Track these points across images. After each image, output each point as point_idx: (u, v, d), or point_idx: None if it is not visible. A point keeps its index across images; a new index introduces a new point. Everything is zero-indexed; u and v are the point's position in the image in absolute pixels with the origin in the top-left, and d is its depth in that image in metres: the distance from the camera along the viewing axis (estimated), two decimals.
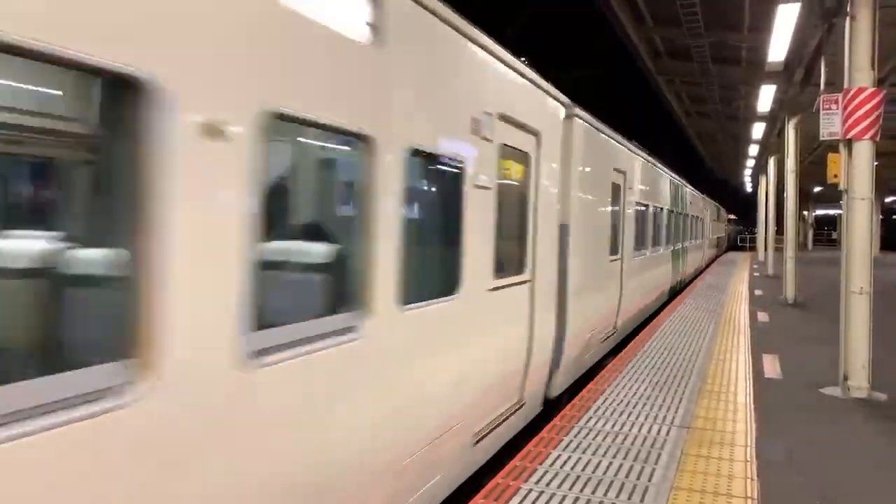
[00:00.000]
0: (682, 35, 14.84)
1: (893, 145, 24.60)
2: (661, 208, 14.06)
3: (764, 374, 7.75)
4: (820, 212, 60.76)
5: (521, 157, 5.61)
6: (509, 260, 5.38)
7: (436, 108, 3.99)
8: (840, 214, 7.42)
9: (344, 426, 3.14)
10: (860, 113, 6.83)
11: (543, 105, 6.10)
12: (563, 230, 6.67)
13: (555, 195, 6.43)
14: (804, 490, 4.48)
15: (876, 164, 7.03)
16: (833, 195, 7.90)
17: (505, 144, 5.06)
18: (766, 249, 27.54)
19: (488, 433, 4.86)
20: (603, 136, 8.47)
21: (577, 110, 7.02)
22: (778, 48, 11.37)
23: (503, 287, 5.06)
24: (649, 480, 4.44)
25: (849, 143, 6.98)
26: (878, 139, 6.90)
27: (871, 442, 5.56)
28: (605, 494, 4.20)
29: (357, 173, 3.35)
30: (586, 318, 7.55)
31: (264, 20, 2.51)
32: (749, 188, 51.96)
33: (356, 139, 3.24)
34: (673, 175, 15.91)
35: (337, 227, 3.82)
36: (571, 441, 5.18)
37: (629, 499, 4.14)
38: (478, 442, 4.68)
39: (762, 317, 12.58)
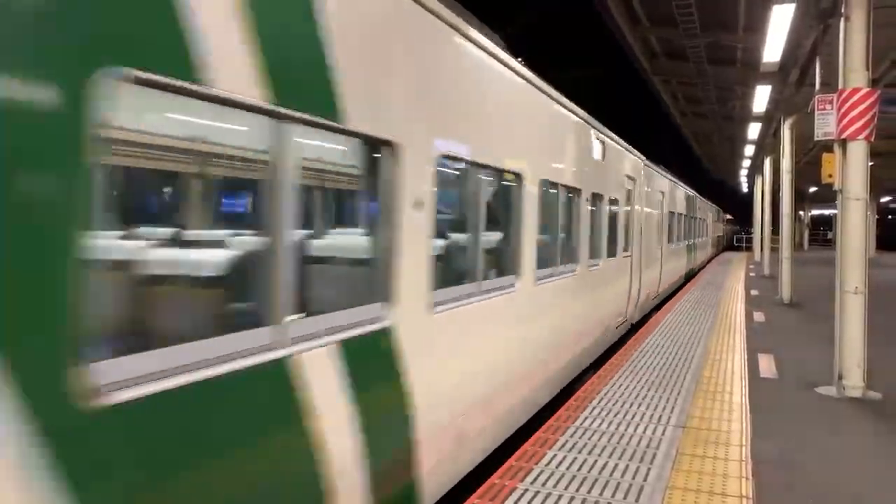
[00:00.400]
0: (678, 36, 14.87)
1: (888, 145, 24.70)
2: (682, 214, 19.87)
3: (759, 374, 7.77)
4: (816, 212, 60.94)
5: (630, 192, 11.17)
6: (628, 243, 11.04)
7: (614, 177, 9.85)
8: (835, 214, 7.44)
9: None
10: (855, 113, 6.85)
11: (637, 163, 11.86)
12: (639, 229, 12.03)
13: (637, 210, 11.77)
14: (799, 489, 4.49)
15: (871, 164, 7.06)
16: (829, 195, 7.95)
17: (628, 189, 11.00)
18: (762, 249, 27.61)
19: (615, 328, 10.32)
20: (656, 172, 14.27)
21: (645, 161, 12.63)
22: (773, 49, 11.40)
23: (626, 256, 10.84)
24: (645, 480, 4.45)
25: (843, 144, 7.00)
26: (872, 139, 6.93)
27: (866, 441, 5.57)
28: (600, 494, 4.20)
29: (596, 211, 8.72)
30: (646, 282, 12.96)
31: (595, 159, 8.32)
32: (745, 188, 52.09)
33: (598, 197, 8.74)
34: (688, 189, 21.84)
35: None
36: (567, 441, 5.18)
37: (625, 498, 4.15)
38: (617, 327, 10.42)
39: (758, 316, 12.61)
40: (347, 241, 3.88)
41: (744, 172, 41.63)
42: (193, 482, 2.33)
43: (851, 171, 6.97)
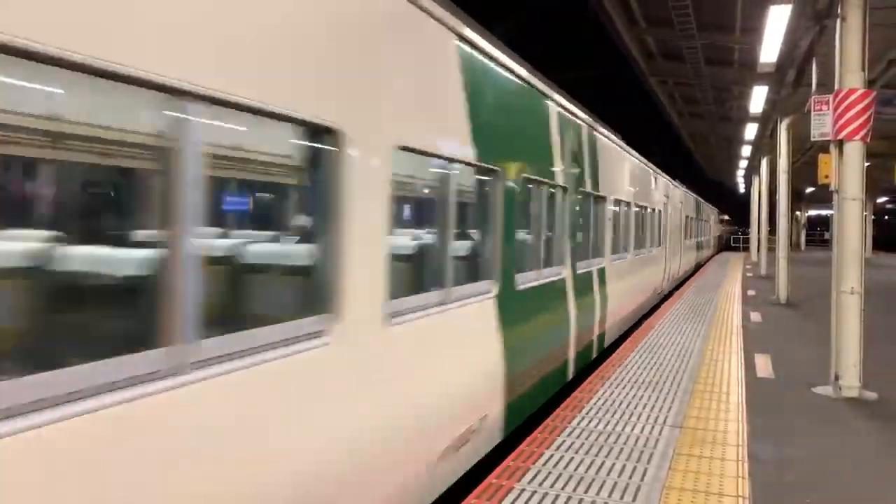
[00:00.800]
0: (674, 36, 14.89)
1: (884, 146, 24.76)
2: (694, 217, 25.74)
3: (756, 374, 7.78)
4: (812, 212, 61.04)
5: (665, 205, 16.62)
6: (662, 240, 16.18)
7: (657, 196, 15.42)
8: (832, 215, 7.46)
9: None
10: (851, 114, 6.86)
11: (668, 184, 17.26)
12: (668, 230, 17.16)
13: (667, 216, 16.88)
14: (795, 489, 4.50)
15: (867, 164, 7.07)
16: (825, 195, 7.96)
17: (664, 203, 16.36)
18: (758, 250, 27.65)
19: (657, 293, 15.16)
20: (677, 187, 19.54)
21: (672, 181, 17.87)
22: (770, 50, 11.41)
23: (661, 248, 15.97)
24: (641, 480, 4.46)
25: (840, 144, 7.02)
26: (868, 140, 6.94)
27: (862, 441, 5.59)
28: (597, 494, 4.21)
29: (638, 216, 13.06)
30: (671, 267, 18.18)
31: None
32: (742, 189, 52.17)
33: (651, 209, 14.56)
34: (698, 197, 28.30)
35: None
36: (564, 441, 5.19)
37: (622, 498, 4.15)
38: (657, 293, 15.38)
39: (755, 317, 12.63)
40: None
41: (741, 173, 41.70)
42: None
43: (848, 172, 6.99)
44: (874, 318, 8.07)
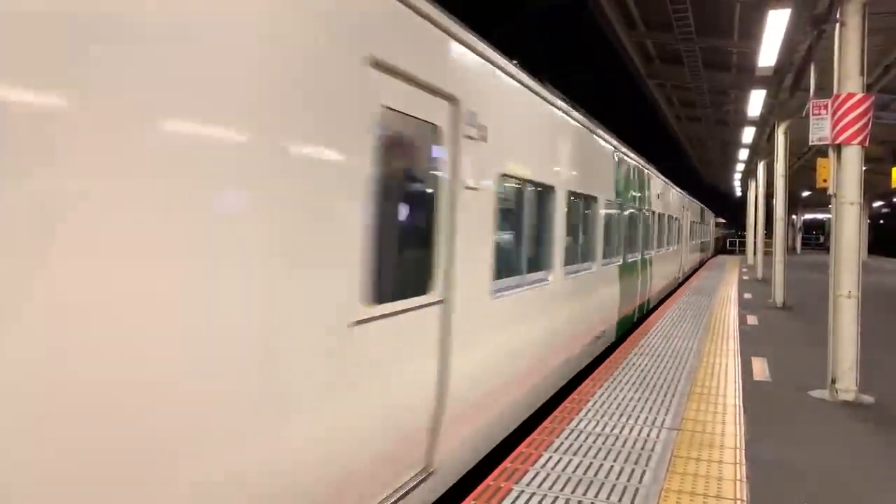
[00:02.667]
0: (673, 40, 14.93)
1: (882, 151, 24.84)
2: (697, 222, 28.73)
3: (753, 377, 7.80)
4: (809, 216, 61.20)
5: (681, 213, 21.08)
6: (680, 240, 20.85)
7: (677, 207, 19.85)
8: (829, 219, 7.48)
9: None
10: (849, 118, 6.89)
11: (684, 197, 22.24)
12: (684, 234, 22.03)
13: (682, 221, 21.39)
14: (793, 492, 4.51)
15: (865, 169, 7.10)
16: (822, 199, 7.96)
17: (681, 211, 21.03)
18: (755, 253, 27.71)
19: (676, 279, 20.26)
20: (688, 197, 23.77)
21: (687, 195, 23.44)
22: (768, 54, 11.44)
23: (679, 246, 20.61)
24: (640, 482, 4.46)
25: (838, 148, 7.04)
26: (866, 144, 6.97)
27: (859, 444, 5.60)
28: (595, 496, 4.21)
29: (674, 224, 19.44)
30: (687, 260, 23.41)
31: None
32: (738, 192, 52.28)
33: (674, 217, 19.23)
34: (703, 205, 33.02)
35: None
36: (562, 443, 5.19)
37: (620, 500, 4.16)
38: (676, 279, 20.51)
39: (751, 320, 12.66)
40: None
41: (737, 176, 41.80)
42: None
43: (846, 176, 7.02)
44: (871, 322, 8.09)
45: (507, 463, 4.71)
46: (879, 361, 8.36)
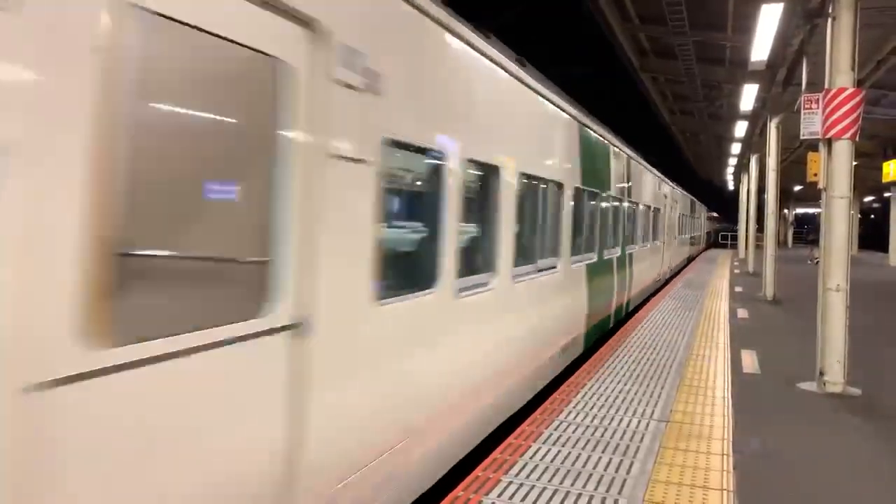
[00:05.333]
0: (667, 33, 14.93)
1: (872, 146, 24.94)
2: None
3: (742, 370, 7.85)
4: (800, 210, 61.46)
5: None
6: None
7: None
8: (819, 213, 7.52)
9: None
10: (840, 113, 6.91)
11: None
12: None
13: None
14: (779, 482, 4.55)
15: (855, 163, 7.13)
16: (813, 194, 8.05)
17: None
18: (746, 247, 27.84)
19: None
20: (676, 189, 23.25)
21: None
22: (761, 48, 11.46)
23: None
24: (627, 473, 4.49)
25: (829, 143, 7.07)
26: (857, 139, 7.00)
27: (844, 436, 5.66)
28: (583, 486, 4.24)
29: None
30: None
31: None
32: (731, 186, 52.44)
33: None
34: (692, 196, 32.22)
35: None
36: (552, 434, 5.22)
37: (608, 491, 4.18)
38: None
39: (742, 313, 12.72)
40: None
41: (730, 171, 41.93)
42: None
43: (836, 170, 7.05)
44: (859, 315, 8.15)
45: (496, 453, 4.73)
46: (868, 354, 8.43)
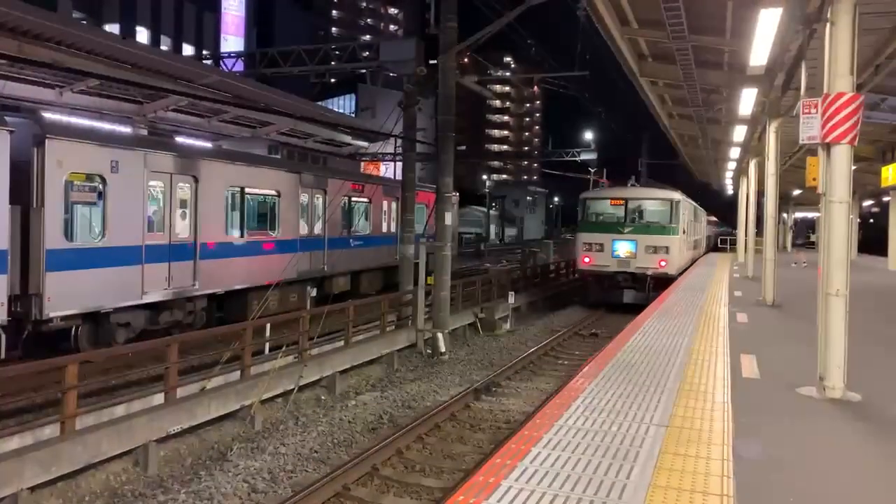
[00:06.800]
0: (665, 38, 14.94)
1: (871, 150, 24.97)
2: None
3: (742, 374, 7.84)
4: (799, 214, 61.48)
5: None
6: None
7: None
8: (819, 217, 7.53)
9: None
10: (839, 117, 6.92)
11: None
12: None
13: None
14: (779, 488, 4.54)
15: (854, 168, 7.13)
16: (812, 198, 8.08)
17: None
18: (745, 251, 27.84)
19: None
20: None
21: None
22: (759, 52, 11.47)
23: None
24: (627, 478, 4.49)
25: (828, 147, 7.07)
26: (856, 143, 7.00)
27: (845, 441, 5.65)
28: (583, 491, 4.23)
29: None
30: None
31: None
32: (730, 190, 52.49)
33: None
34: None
35: None
36: (552, 438, 5.21)
37: (608, 496, 4.18)
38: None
39: (741, 318, 12.72)
40: None
41: (728, 175, 41.94)
42: None
43: (835, 175, 7.05)
44: (859, 320, 8.15)
45: (495, 458, 4.73)
46: (867, 359, 8.42)
